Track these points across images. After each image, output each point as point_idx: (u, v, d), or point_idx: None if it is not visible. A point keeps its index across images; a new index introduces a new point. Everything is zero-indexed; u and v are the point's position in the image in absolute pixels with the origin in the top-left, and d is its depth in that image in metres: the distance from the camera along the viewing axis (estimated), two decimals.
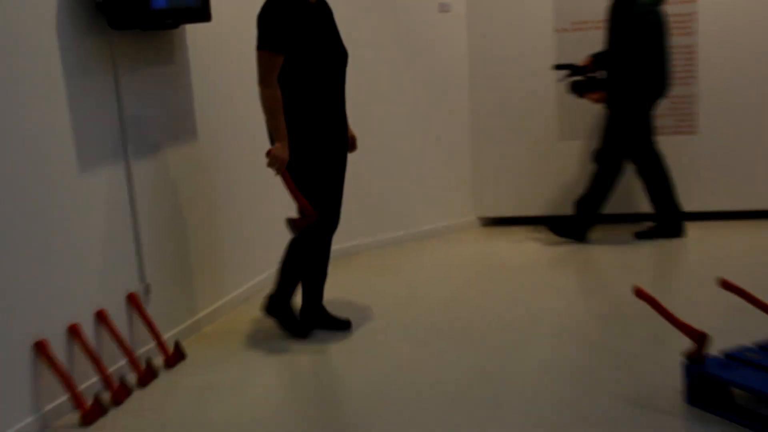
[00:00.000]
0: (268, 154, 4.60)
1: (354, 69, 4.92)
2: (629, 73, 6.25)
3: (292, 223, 4.72)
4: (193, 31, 5.11)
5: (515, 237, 6.95)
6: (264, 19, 4.62)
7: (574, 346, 4.64)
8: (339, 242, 5.42)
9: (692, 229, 6.72)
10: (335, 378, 4.53)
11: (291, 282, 5.01)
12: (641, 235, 6.62)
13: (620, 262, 6.16)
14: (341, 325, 5.09)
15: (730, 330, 4.43)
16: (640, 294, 3.98)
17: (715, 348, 3.96)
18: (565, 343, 4.68)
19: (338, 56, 4.79)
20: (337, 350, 4.81)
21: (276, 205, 6.00)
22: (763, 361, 3.80)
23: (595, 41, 6.83)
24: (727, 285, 4.13)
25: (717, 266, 5.52)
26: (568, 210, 6.81)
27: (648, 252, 6.35)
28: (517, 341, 4.77)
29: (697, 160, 6.95)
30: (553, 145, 7.14)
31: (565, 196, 7.04)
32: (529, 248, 6.63)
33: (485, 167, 7.27)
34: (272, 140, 4.67)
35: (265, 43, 4.57)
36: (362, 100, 6.05)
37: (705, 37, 6.80)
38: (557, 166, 7.15)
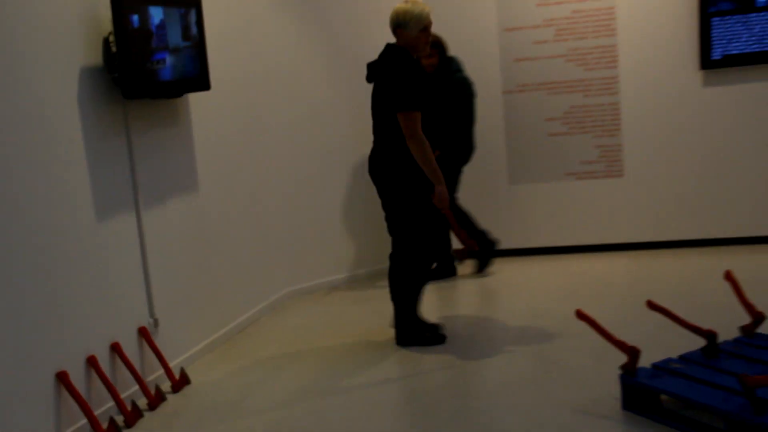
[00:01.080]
0: (434, 199, 4.72)
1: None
2: (450, 138, 6.12)
3: (461, 253, 4.83)
4: (195, 98, 5.12)
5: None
6: (400, 82, 4.67)
7: (529, 363, 4.60)
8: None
9: (619, 257, 6.74)
10: (333, 394, 4.45)
11: (407, 309, 5.02)
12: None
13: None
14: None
15: (658, 344, 4.41)
16: (581, 315, 3.97)
17: (646, 361, 3.96)
18: (521, 360, 4.64)
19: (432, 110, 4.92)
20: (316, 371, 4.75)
21: (265, 243, 6.00)
22: (685, 370, 3.81)
23: (538, 101, 6.91)
24: (652, 305, 4.13)
25: (646, 288, 5.51)
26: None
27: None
28: (479, 358, 4.73)
29: (624, 199, 6.97)
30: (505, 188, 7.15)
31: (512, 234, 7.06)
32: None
33: None
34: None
35: (411, 105, 4.63)
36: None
37: (626, 96, 6.85)
38: (509, 207, 7.15)
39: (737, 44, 6.56)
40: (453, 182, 6.21)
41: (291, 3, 6.32)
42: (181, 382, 4.62)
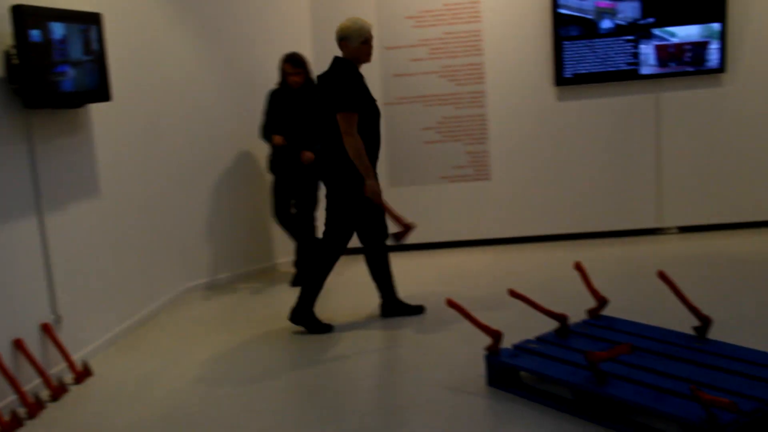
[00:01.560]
0: (365, 192, 4.87)
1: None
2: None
3: (396, 236, 4.87)
4: (97, 108, 5.06)
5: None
6: (341, 86, 4.86)
7: (405, 347, 4.71)
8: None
9: (487, 251, 6.93)
10: (227, 383, 4.47)
11: (312, 293, 5.12)
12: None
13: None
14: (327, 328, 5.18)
15: (518, 328, 4.58)
16: (451, 304, 4.09)
17: (508, 342, 4.12)
18: (398, 345, 4.74)
19: (378, 114, 5.03)
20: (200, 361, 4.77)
21: (163, 243, 5.96)
22: (541, 349, 3.98)
23: (415, 112, 7.07)
24: (513, 293, 4.27)
25: (509, 279, 5.68)
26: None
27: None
28: (361, 344, 4.81)
29: (491, 200, 7.19)
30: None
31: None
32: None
33: None
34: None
35: (348, 106, 4.79)
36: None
37: (492, 109, 7.08)
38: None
39: (585, 65, 6.87)
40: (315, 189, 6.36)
41: (188, 21, 6.28)
42: (83, 374, 4.56)
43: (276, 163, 6.26)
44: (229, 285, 6.54)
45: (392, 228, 5.15)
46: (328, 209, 5.14)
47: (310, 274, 5.14)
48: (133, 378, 4.55)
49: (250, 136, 6.55)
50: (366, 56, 4.99)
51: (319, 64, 7.01)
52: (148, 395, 4.26)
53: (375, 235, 5.17)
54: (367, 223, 5.12)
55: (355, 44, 4.92)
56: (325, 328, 5.13)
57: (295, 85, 6.12)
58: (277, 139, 6.03)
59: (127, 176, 5.50)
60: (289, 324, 5.37)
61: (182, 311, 5.88)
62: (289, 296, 6.06)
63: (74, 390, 4.42)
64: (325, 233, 5.16)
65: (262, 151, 6.49)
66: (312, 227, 6.47)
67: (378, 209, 5.07)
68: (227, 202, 6.62)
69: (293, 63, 6.10)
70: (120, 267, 5.34)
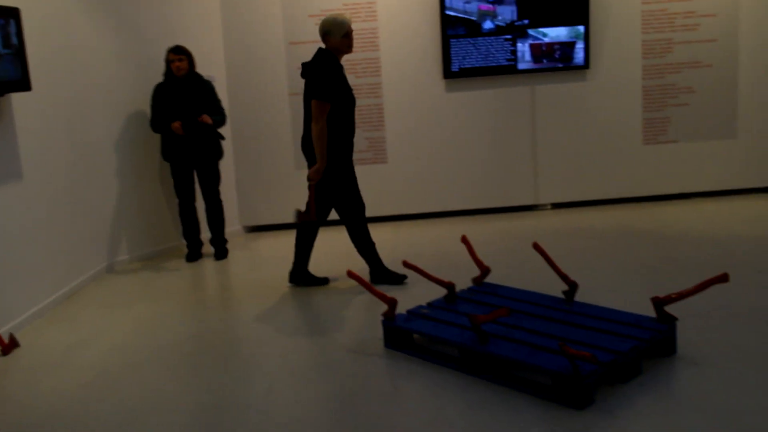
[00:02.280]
0: (309, 171, 4.95)
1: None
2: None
3: (297, 214, 5.04)
4: (18, 97, 4.88)
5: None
6: (317, 76, 4.81)
7: (311, 314, 4.72)
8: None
9: (386, 226, 6.99)
10: (147, 350, 4.40)
11: (302, 257, 5.25)
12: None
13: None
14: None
15: (412, 295, 4.66)
16: (351, 275, 4.12)
17: (402, 308, 4.19)
18: (305, 312, 4.76)
19: (353, 102, 5.02)
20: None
21: (88, 221, 5.81)
22: (432, 314, 4.05)
23: None
24: (407, 264, 4.33)
25: (406, 251, 5.76)
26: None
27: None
28: (272, 312, 4.79)
29: (388, 180, 7.25)
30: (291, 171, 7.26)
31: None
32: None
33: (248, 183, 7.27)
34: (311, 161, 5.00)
35: (321, 95, 4.76)
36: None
37: (388, 99, 7.12)
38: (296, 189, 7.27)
39: (469, 60, 6.99)
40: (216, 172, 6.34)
41: (105, 18, 6.10)
42: (10, 345, 4.41)
43: (168, 150, 6.16)
44: (150, 260, 6.41)
45: (299, 208, 5.15)
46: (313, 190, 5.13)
47: (298, 242, 5.22)
48: (58, 348, 4.43)
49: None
50: (347, 48, 4.96)
51: (231, 58, 6.98)
52: (74, 364, 4.16)
53: (355, 208, 5.16)
54: (348, 198, 5.12)
55: (337, 38, 4.89)
56: (322, 281, 5.25)
57: (179, 71, 6.01)
58: (176, 125, 5.93)
59: (50, 161, 5.33)
60: (203, 295, 5.34)
61: (105, 285, 5.75)
62: (202, 270, 6.01)
63: (1, 361, 4.28)
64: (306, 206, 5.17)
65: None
66: (219, 202, 6.42)
67: (353, 187, 5.10)
68: (145, 185, 6.48)
69: (175, 51, 6.02)
70: (45, 245, 5.19)
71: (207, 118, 6.00)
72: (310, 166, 5.04)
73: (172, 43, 6.18)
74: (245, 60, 7.04)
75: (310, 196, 5.01)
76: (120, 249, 6.32)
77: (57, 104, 5.47)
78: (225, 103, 6.61)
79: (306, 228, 5.21)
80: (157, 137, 6.31)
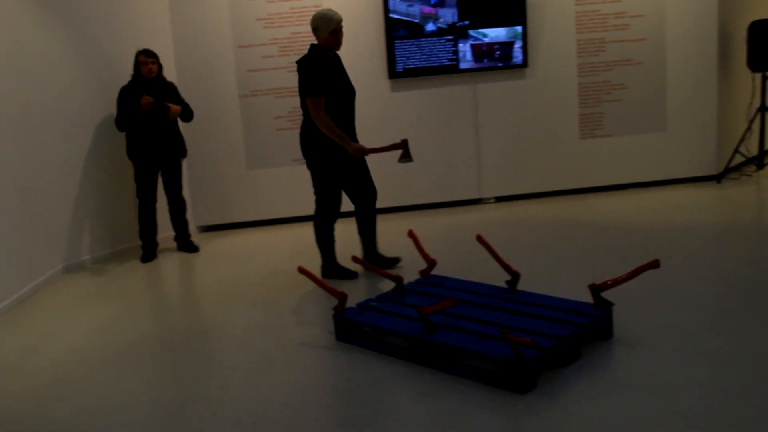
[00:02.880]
0: (353, 154, 4.89)
1: None
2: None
3: (402, 157, 5.05)
4: None
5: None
6: (306, 73, 4.77)
7: (265, 310, 4.68)
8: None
9: (338, 223, 6.95)
10: (104, 350, 4.31)
11: (327, 251, 5.15)
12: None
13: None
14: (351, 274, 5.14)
15: (362, 289, 4.65)
16: (301, 271, 4.11)
17: (352, 302, 4.18)
18: (259, 309, 4.72)
19: (349, 94, 4.97)
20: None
21: (40, 225, 5.67)
22: (381, 306, 4.06)
23: (267, 103, 6.95)
24: (356, 259, 4.33)
25: (355, 247, 5.75)
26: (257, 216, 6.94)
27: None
28: (227, 309, 4.75)
29: None
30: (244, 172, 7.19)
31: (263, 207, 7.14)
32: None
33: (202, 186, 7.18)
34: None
35: (312, 92, 4.74)
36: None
37: None
38: (247, 188, 7.20)
39: (413, 60, 7.00)
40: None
41: (54, 20, 5.96)
42: None
43: (134, 149, 6.07)
44: (108, 261, 6.28)
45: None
46: (312, 181, 5.07)
47: (318, 239, 5.15)
48: (14, 352, 4.32)
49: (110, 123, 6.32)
50: (334, 45, 4.88)
51: (180, 60, 6.87)
52: (30, 366, 4.06)
53: (363, 194, 5.11)
54: (354, 186, 5.08)
55: (324, 34, 4.81)
56: (352, 275, 5.10)
57: (150, 74, 5.98)
58: (146, 99, 5.85)
59: (2, 162, 5.19)
60: (160, 295, 5.26)
61: (60, 288, 5.61)
62: (159, 270, 5.92)
63: None
64: (316, 201, 5.11)
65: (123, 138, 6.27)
66: (183, 200, 6.35)
67: (361, 172, 5.06)
68: (100, 186, 6.34)
69: (147, 53, 5.99)
70: None
71: (175, 107, 6.02)
72: (307, 161, 5.02)
73: (121, 47, 6.06)
74: (195, 63, 6.93)
75: (380, 150, 5.04)
76: (77, 251, 6.18)
77: (8, 106, 5.32)
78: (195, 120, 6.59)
79: (321, 222, 5.13)
80: (114, 139, 6.21)
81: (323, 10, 4.89)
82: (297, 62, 4.94)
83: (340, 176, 5.02)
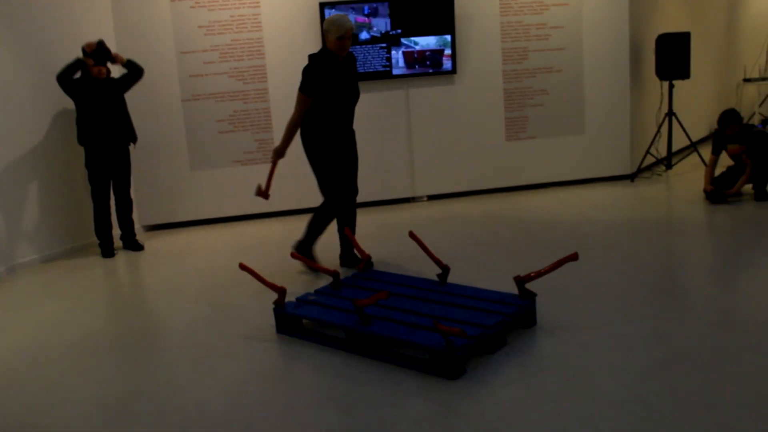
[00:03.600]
0: (274, 153, 4.97)
1: None
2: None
3: (258, 189, 5.01)
4: None
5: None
6: (305, 71, 4.71)
7: (208, 306, 4.61)
8: None
9: (274, 222, 6.91)
10: (50, 348, 4.17)
11: (313, 236, 5.02)
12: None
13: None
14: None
15: (301, 284, 4.62)
16: (242, 267, 4.05)
17: (292, 296, 4.15)
18: (202, 305, 4.64)
19: (348, 97, 4.86)
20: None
21: None
22: (319, 300, 4.03)
23: (209, 107, 6.84)
24: (294, 256, 4.29)
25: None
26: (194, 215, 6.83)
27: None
28: (172, 306, 4.66)
29: (276, 178, 7.12)
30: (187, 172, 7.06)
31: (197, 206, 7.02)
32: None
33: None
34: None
35: (302, 89, 4.72)
36: None
37: (275, 103, 7.02)
38: (191, 188, 7.07)
39: None
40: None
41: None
42: None
43: (84, 133, 5.93)
44: (53, 260, 6.08)
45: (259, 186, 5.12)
46: (315, 176, 5.02)
47: (312, 222, 5.02)
48: None
49: (62, 127, 6.13)
50: (339, 50, 4.74)
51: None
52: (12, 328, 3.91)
53: (347, 191, 5.01)
54: (322, 183, 4.98)
55: (332, 38, 4.67)
56: (359, 261, 4.94)
57: (101, 74, 5.89)
58: (89, 42, 5.78)
59: None
60: (106, 293, 5.13)
61: (8, 287, 5.41)
62: (105, 268, 5.77)
63: None
64: (323, 195, 5.02)
65: (74, 140, 6.09)
66: (131, 198, 6.27)
67: (348, 169, 4.98)
68: (49, 184, 6.15)
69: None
70: None
71: (120, 56, 5.98)
72: (306, 151, 4.96)
73: (65, 53, 5.90)
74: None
75: (270, 172, 4.96)
76: (22, 250, 5.97)
77: None
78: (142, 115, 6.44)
79: (324, 212, 5.03)
80: (63, 143, 6.03)
81: (338, 15, 4.77)
82: (309, 56, 4.86)
83: (333, 167, 4.96)
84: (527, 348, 3.49)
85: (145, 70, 6.35)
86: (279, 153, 4.95)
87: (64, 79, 5.80)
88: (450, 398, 3.03)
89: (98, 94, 5.88)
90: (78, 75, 5.88)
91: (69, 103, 6.06)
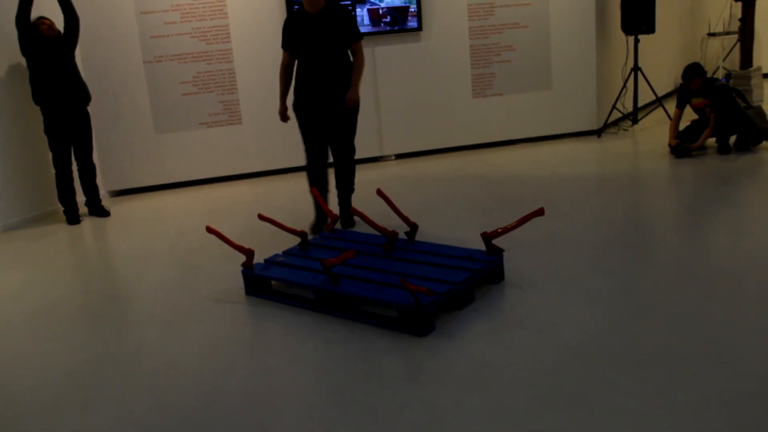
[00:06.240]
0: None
1: None
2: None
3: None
4: None
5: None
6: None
7: (176, 270, 4.57)
8: None
9: (242, 184, 6.84)
10: (22, 316, 4.10)
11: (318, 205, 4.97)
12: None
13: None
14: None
15: (269, 245, 4.59)
16: (209, 230, 4.00)
17: (260, 258, 4.12)
18: (170, 269, 4.59)
19: (316, 52, 4.74)
20: None
21: None
22: (287, 261, 4.01)
23: (172, 69, 6.69)
24: (262, 217, 4.25)
25: (261, 205, 5.66)
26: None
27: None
28: (139, 271, 4.60)
29: (243, 140, 7.07)
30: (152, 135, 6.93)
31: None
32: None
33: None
34: None
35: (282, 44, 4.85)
36: None
37: (239, 64, 6.90)
38: (156, 152, 6.95)
39: None
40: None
41: None
42: None
43: (39, 93, 5.78)
44: (19, 228, 5.97)
45: None
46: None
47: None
48: None
49: (19, 92, 5.96)
50: (305, 3, 4.74)
51: (84, 26, 6.50)
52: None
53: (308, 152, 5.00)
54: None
55: None
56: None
57: (51, 33, 5.76)
58: None
59: None
60: (73, 259, 5.05)
61: None
62: (73, 235, 5.67)
63: None
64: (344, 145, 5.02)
65: (32, 105, 5.93)
66: (93, 164, 6.14)
67: (315, 129, 4.93)
68: (9, 151, 5.99)
69: (42, 17, 5.78)
70: None
71: None
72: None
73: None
74: (99, 29, 6.58)
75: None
76: None
77: None
78: (82, 71, 6.24)
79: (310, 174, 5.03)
80: (20, 102, 5.86)
81: None
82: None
83: (301, 126, 4.98)
84: (495, 303, 3.51)
85: (105, 32, 6.17)
86: (281, 114, 4.99)
87: (21, 19, 5.63)
88: (420, 355, 3.05)
89: (50, 53, 5.71)
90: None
91: (23, 63, 5.88)
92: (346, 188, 5.05)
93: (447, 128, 7.45)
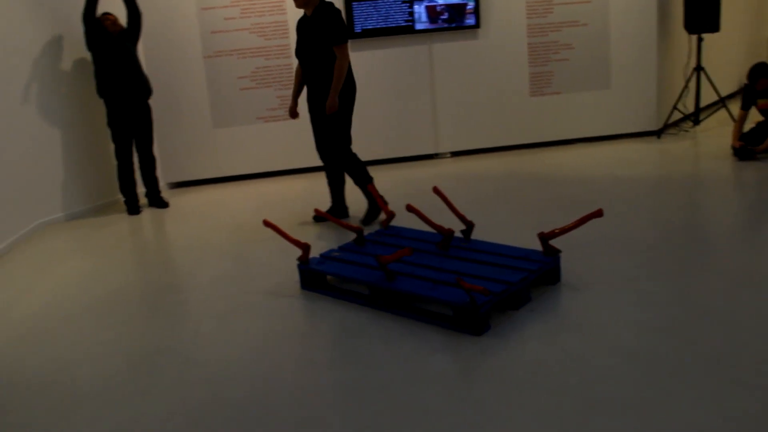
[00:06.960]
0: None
1: None
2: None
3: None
4: None
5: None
6: None
7: (232, 262, 4.64)
8: None
9: (297, 179, 6.90)
10: (79, 303, 4.23)
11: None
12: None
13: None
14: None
15: (324, 240, 4.62)
16: (266, 223, 4.05)
17: (315, 252, 4.16)
18: (226, 261, 4.67)
19: (302, 56, 4.90)
20: None
21: (13, 183, 5.50)
22: (343, 256, 4.04)
23: (231, 63, 6.79)
24: (318, 212, 4.29)
25: (317, 201, 5.70)
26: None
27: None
28: (196, 262, 4.70)
29: (301, 134, 7.13)
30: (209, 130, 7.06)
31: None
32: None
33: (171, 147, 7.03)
34: None
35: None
36: None
37: (296, 59, 6.93)
38: (214, 146, 7.07)
39: (371, 22, 6.89)
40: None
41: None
42: None
43: (103, 85, 5.95)
44: (79, 219, 6.14)
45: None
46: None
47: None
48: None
49: (84, 85, 6.14)
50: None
51: (146, 22, 6.66)
52: (6, 319, 3.97)
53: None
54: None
55: None
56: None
57: (115, 28, 5.92)
58: None
59: None
60: (134, 249, 5.18)
61: (35, 245, 5.48)
62: (133, 225, 5.82)
63: None
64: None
65: (96, 98, 6.10)
66: (153, 155, 6.29)
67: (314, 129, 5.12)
68: (76, 143, 6.18)
69: (107, 13, 5.93)
70: None
71: None
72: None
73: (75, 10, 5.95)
74: (160, 25, 6.73)
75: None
76: (53, 207, 6.03)
77: None
78: (144, 66, 6.38)
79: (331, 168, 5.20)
80: (85, 96, 6.04)
81: None
82: None
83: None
84: (551, 304, 3.48)
85: (167, 28, 6.29)
86: (289, 111, 5.18)
87: (88, 15, 5.80)
88: (474, 354, 3.04)
89: (114, 47, 5.87)
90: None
91: (88, 58, 6.06)
92: (338, 184, 5.24)
93: (503, 126, 7.39)
